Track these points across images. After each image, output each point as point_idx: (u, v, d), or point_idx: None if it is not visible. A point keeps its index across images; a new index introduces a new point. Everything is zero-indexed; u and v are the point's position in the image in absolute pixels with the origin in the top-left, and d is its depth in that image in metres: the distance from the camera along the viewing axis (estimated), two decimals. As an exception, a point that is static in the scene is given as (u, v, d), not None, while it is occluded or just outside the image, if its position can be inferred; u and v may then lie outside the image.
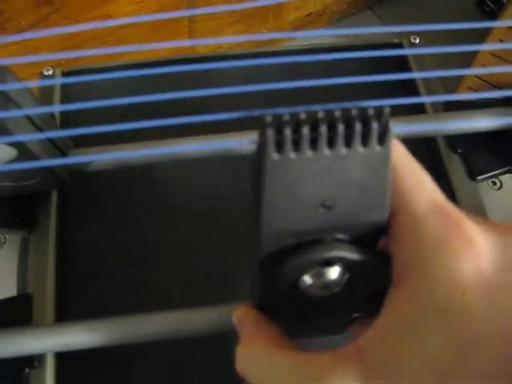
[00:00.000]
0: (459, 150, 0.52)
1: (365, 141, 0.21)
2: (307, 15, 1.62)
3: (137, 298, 0.48)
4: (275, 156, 0.21)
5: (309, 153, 0.21)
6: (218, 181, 0.54)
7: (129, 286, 0.49)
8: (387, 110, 0.21)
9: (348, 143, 0.21)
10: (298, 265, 0.24)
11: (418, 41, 0.59)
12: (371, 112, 0.21)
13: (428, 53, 0.55)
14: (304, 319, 0.29)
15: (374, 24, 1.79)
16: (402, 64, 0.59)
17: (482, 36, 1.22)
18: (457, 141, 0.51)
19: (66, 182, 0.43)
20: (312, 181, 0.22)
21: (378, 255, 0.25)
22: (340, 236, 0.24)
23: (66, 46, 1.22)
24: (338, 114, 0.21)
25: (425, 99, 0.53)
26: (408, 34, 0.60)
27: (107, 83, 0.58)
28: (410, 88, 0.58)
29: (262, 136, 0.21)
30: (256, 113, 0.22)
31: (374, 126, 0.21)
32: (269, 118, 0.21)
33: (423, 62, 0.58)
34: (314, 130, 0.21)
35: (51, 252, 0.47)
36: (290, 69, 0.59)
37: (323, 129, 0.21)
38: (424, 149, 0.56)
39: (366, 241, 0.25)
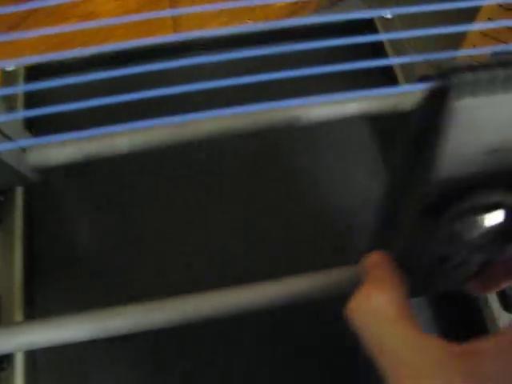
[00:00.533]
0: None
1: None
2: (294, 3, 1.55)
3: (106, 292, 0.48)
4: (466, 101, 0.21)
5: (500, 96, 0.21)
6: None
7: (97, 280, 0.48)
8: None
9: None
10: (463, 210, 0.25)
11: (389, 15, 0.59)
12: None
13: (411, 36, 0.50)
14: (434, 274, 0.30)
15: (359, 9, 1.74)
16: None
17: (471, 18, 1.17)
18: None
19: (27, 178, 0.43)
20: (489, 124, 0.22)
21: None
22: (503, 182, 0.24)
23: (48, 46, 1.20)
24: None
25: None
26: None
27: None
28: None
29: (446, 79, 0.21)
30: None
31: None
32: (457, 62, 0.20)
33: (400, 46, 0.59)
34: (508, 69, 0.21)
35: (18, 248, 0.46)
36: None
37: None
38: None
39: None
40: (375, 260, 0.30)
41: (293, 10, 1.58)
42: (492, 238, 0.27)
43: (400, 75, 0.56)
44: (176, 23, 1.34)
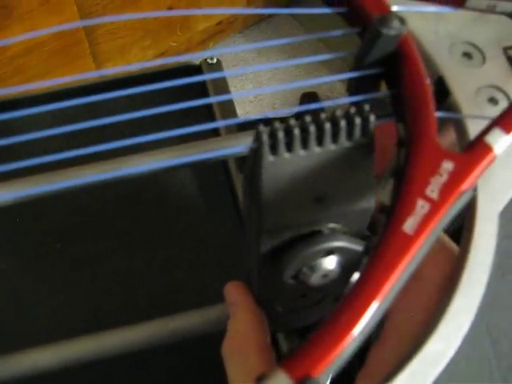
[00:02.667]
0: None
1: (350, 135, 0.25)
2: (217, 23, 1.54)
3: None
4: (271, 158, 0.24)
5: (301, 152, 0.25)
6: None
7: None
8: (367, 107, 0.24)
9: (335, 139, 0.25)
10: (298, 256, 0.27)
11: (215, 61, 0.61)
12: (353, 110, 0.24)
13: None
14: (296, 310, 0.33)
15: (292, 26, 1.75)
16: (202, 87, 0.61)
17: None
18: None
19: None
20: (305, 177, 0.25)
21: (367, 244, 0.28)
22: (334, 226, 0.27)
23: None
24: (323, 116, 0.24)
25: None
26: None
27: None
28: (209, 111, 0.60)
29: (258, 141, 0.24)
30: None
31: (357, 120, 0.24)
32: (262, 126, 0.24)
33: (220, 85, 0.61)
34: (304, 131, 0.24)
35: None
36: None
37: (312, 129, 0.24)
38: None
39: (357, 230, 0.28)
40: (234, 298, 0.33)
41: (215, 32, 1.57)
42: (334, 279, 0.30)
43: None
44: (95, 52, 1.32)
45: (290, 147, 0.24)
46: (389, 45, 0.26)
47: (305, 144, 0.24)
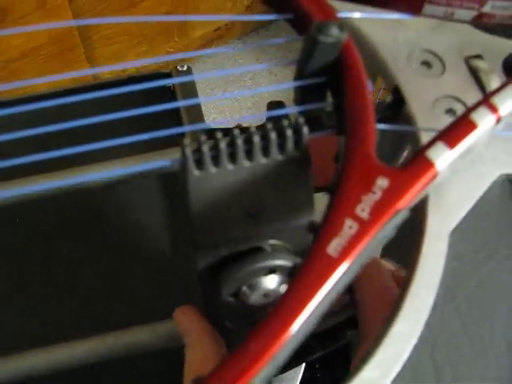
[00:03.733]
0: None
1: (282, 148, 0.23)
2: (215, 30, 1.53)
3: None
4: (196, 172, 0.23)
5: (229, 166, 0.23)
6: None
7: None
8: (301, 120, 0.23)
9: (266, 153, 0.23)
10: (236, 274, 0.25)
11: (185, 68, 0.60)
12: (285, 123, 0.23)
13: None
14: (247, 323, 0.31)
15: (292, 32, 1.71)
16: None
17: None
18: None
19: None
20: (236, 192, 0.24)
21: None
22: (275, 243, 0.26)
23: None
24: (253, 129, 0.23)
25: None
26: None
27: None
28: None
29: (183, 155, 0.23)
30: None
31: (289, 133, 0.23)
32: (187, 140, 0.22)
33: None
34: (232, 145, 0.23)
35: None
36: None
37: (240, 142, 0.22)
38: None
39: (301, 247, 0.26)
40: (185, 325, 0.31)
41: (213, 38, 1.56)
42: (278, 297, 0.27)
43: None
44: (91, 57, 1.31)
45: (216, 161, 0.23)
46: (328, 53, 0.24)
47: (233, 158, 0.23)
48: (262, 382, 0.19)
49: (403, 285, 0.25)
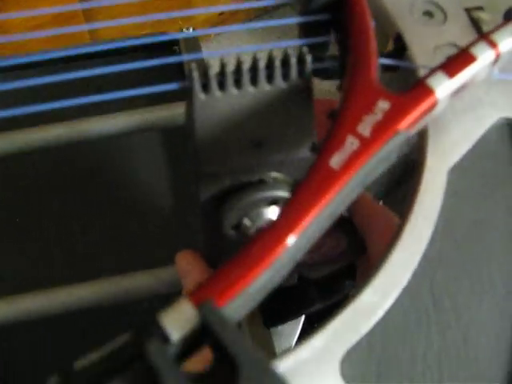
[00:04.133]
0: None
1: (285, 75, 0.24)
2: (220, 14, 1.53)
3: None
4: (202, 96, 0.23)
5: (234, 91, 0.23)
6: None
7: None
8: (305, 49, 0.24)
9: (270, 80, 0.24)
10: (237, 205, 0.26)
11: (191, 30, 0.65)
12: (290, 51, 0.23)
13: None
14: None
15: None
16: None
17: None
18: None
19: None
20: (240, 118, 0.24)
21: None
22: (276, 176, 0.26)
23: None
24: (259, 55, 0.23)
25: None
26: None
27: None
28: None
29: (189, 80, 0.23)
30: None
31: (293, 60, 0.23)
32: (194, 64, 0.23)
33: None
34: (237, 71, 0.23)
35: None
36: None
37: (245, 67, 0.23)
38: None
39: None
40: (184, 267, 0.31)
41: (217, 22, 1.56)
42: None
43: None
44: (94, 37, 1.32)
45: (222, 86, 0.23)
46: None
47: (238, 83, 0.23)
48: (258, 293, 0.19)
49: (403, 216, 0.26)
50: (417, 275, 0.24)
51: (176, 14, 0.34)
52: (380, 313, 0.23)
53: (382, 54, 0.31)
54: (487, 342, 0.24)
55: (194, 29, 0.56)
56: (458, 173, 0.27)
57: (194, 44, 0.55)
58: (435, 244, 0.25)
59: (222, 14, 1.60)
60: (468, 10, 0.33)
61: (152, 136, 0.52)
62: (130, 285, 0.36)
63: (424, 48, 0.30)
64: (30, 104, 0.28)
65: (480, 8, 0.33)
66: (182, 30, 0.56)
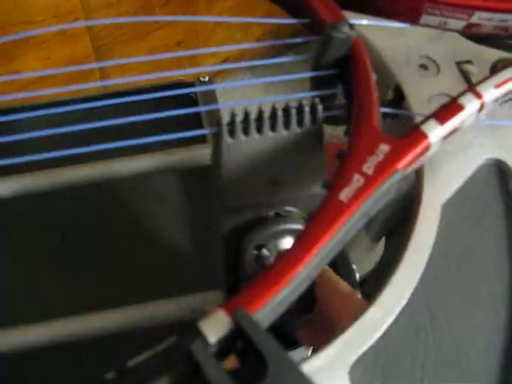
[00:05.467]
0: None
1: (300, 122, 0.28)
2: (225, 60, 1.59)
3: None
4: (229, 140, 0.27)
5: (256, 135, 0.28)
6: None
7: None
8: (316, 100, 0.28)
9: (287, 126, 0.28)
10: (257, 236, 0.30)
11: (207, 79, 0.68)
12: (304, 101, 0.28)
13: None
14: None
15: (296, 65, 1.77)
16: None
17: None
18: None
19: None
20: (260, 159, 0.28)
21: None
22: (291, 210, 0.30)
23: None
24: (277, 105, 0.28)
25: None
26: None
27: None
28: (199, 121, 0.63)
29: (218, 125, 0.27)
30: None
31: (307, 109, 0.28)
32: (222, 113, 0.28)
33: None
34: (259, 118, 0.28)
35: None
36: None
37: (266, 115, 0.27)
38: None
39: None
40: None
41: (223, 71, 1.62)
42: None
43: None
44: (105, 87, 1.37)
45: (246, 131, 0.28)
46: (340, 47, 0.29)
47: (260, 129, 0.28)
48: (280, 305, 0.23)
49: (403, 243, 0.29)
50: (415, 295, 0.28)
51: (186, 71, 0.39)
52: (384, 327, 0.27)
53: (383, 103, 0.36)
54: (477, 353, 0.27)
55: (209, 78, 0.60)
56: (451, 207, 0.31)
57: (210, 95, 0.60)
58: (431, 268, 0.29)
59: (226, 59, 1.66)
60: (458, 64, 0.37)
61: (170, 176, 0.56)
62: (154, 311, 0.40)
63: (419, 97, 0.35)
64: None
65: (469, 61, 0.38)
66: (198, 79, 0.60)
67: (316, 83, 0.32)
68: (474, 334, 0.28)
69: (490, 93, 0.29)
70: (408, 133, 0.27)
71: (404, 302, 0.28)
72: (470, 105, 0.29)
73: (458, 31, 0.37)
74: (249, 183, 0.29)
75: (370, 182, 0.25)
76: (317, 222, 0.24)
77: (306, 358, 0.25)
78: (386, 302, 0.27)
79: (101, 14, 1.28)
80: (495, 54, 0.38)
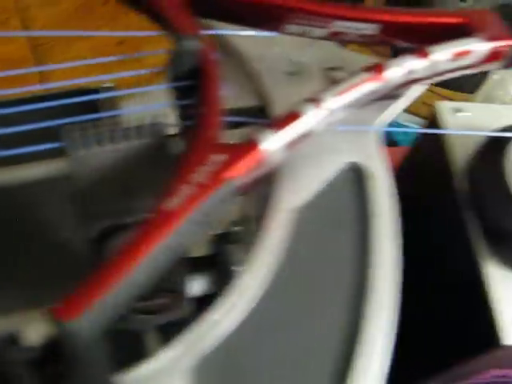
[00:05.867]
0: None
1: (139, 134, 0.30)
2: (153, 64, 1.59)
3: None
4: (81, 151, 0.29)
5: (108, 146, 0.30)
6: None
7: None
8: (159, 115, 0.31)
9: (126, 137, 0.30)
10: (115, 243, 0.31)
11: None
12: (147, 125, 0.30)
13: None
14: None
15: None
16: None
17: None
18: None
19: None
20: (114, 170, 0.30)
21: None
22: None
23: None
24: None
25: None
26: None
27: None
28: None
29: (70, 138, 0.29)
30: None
31: (147, 123, 0.31)
32: (72, 126, 0.29)
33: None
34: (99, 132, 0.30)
35: None
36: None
37: (105, 128, 0.30)
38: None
39: None
40: None
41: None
42: None
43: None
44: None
45: (86, 143, 0.29)
46: (189, 60, 0.31)
47: (99, 141, 0.29)
48: (111, 308, 0.24)
49: (252, 245, 0.31)
50: (260, 299, 0.30)
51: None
52: (223, 330, 0.28)
53: (249, 112, 0.37)
54: (324, 354, 0.29)
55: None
56: (308, 210, 0.33)
57: (112, 101, 0.60)
58: (281, 271, 0.31)
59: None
60: (328, 70, 0.39)
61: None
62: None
63: (284, 105, 0.36)
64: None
65: (340, 68, 0.39)
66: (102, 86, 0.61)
67: (177, 94, 0.33)
68: (321, 337, 0.30)
69: (332, 101, 0.31)
70: (241, 142, 0.28)
71: (245, 307, 0.29)
72: (309, 113, 0.30)
73: (326, 39, 0.39)
74: (103, 192, 0.30)
75: (200, 190, 0.26)
76: (143, 230, 0.25)
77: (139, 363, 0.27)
78: (230, 304, 0.29)
79: (37, 12, 1.27)
80: (365, 60, 0.40)
